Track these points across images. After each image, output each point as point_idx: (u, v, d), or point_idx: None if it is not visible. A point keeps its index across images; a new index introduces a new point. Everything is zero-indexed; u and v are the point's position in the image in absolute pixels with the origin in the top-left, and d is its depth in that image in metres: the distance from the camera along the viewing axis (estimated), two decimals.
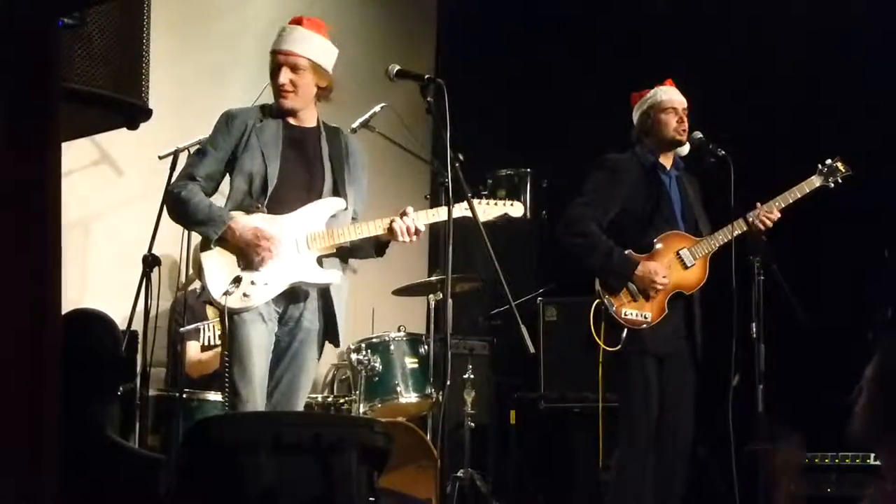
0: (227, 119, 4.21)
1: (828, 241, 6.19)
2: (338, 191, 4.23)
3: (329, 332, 4.24)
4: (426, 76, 3.85)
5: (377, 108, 5.22)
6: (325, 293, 4.21)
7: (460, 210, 3.98)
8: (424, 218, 4.23)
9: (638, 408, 4.70)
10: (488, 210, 4.31)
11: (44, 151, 2.12)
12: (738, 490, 4.59)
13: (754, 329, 4.67)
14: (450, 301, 3.80)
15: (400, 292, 5.68)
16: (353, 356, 5.35)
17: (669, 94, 4.96)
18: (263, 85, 4.49)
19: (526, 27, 7.26)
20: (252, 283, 4.05)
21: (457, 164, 3.91)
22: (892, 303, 6.17)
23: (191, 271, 4.65)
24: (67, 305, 2.54)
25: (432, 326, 5.58)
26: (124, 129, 3.35)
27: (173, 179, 4.31)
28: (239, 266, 4.07)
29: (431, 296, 5.59)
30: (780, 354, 4.82)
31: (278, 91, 4.19)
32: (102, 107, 3.02)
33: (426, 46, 7.50)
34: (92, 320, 3.23)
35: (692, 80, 5.10)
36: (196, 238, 4.30)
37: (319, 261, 4.18)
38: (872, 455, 5.25)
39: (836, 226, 6.06)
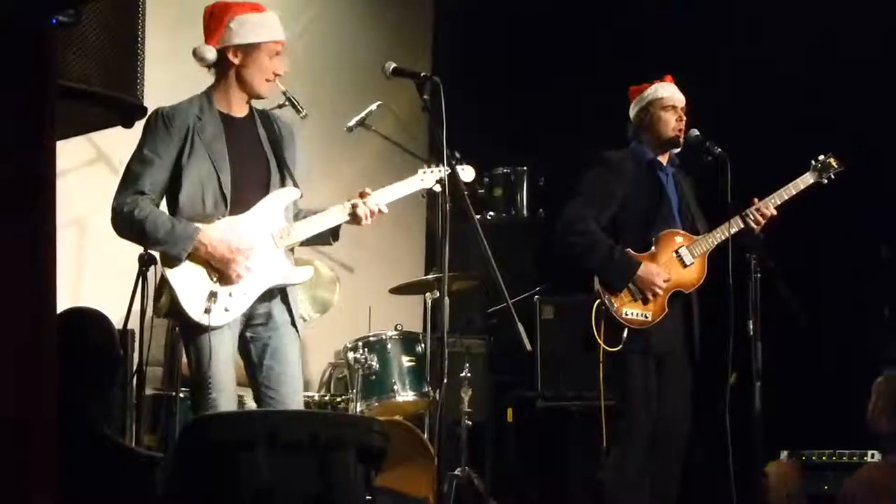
0: (165, 121, 3.89)
1: (825, 238, 6.19)
2: (284, 178, 4.06)
3: (291, 323, 4.08)
4: (422, 74, 3.84)
5: (373, 107, 5.21)
6: (283, 287, 4.06)
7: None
8: (384, 197, 4.10)
9: (637, 408, 4.67)
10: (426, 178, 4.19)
11: (39, 150, 2.11)
12: (735, 489, 4.59)
13: (751, 327, 4.66)
14: (446, 299, 3.79)
15: (397, 291, 5.68)
16: (350, 355, 5.34)
17: (670, 91, 4.90)
18: None
19: (523, 25, 7.25)
20: (230, 295, 3.86)
21: (453, 162, 3.90)
22: (889, 301, 6.18)
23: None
24: (63, 304, 2.54)
25: (429, 325, 5.56)
26: (120, 127, 3.35)
27: (116, 194, 3.89)
28: (212, 279, 3.86)
29: (428, 294, 5.58)
30: (777, 352, 4.82)
31: (270, 80, 4.02)
32: (98, 104, 3.02)
33: (423, 44, 7.49)
34: (88, 319, 3.23)
35: (689, 79, 5.08)
36: None
37: (287, 257, 4.04)
38: (870, 453, 5.27)
39: (833, 224, 6.05)
